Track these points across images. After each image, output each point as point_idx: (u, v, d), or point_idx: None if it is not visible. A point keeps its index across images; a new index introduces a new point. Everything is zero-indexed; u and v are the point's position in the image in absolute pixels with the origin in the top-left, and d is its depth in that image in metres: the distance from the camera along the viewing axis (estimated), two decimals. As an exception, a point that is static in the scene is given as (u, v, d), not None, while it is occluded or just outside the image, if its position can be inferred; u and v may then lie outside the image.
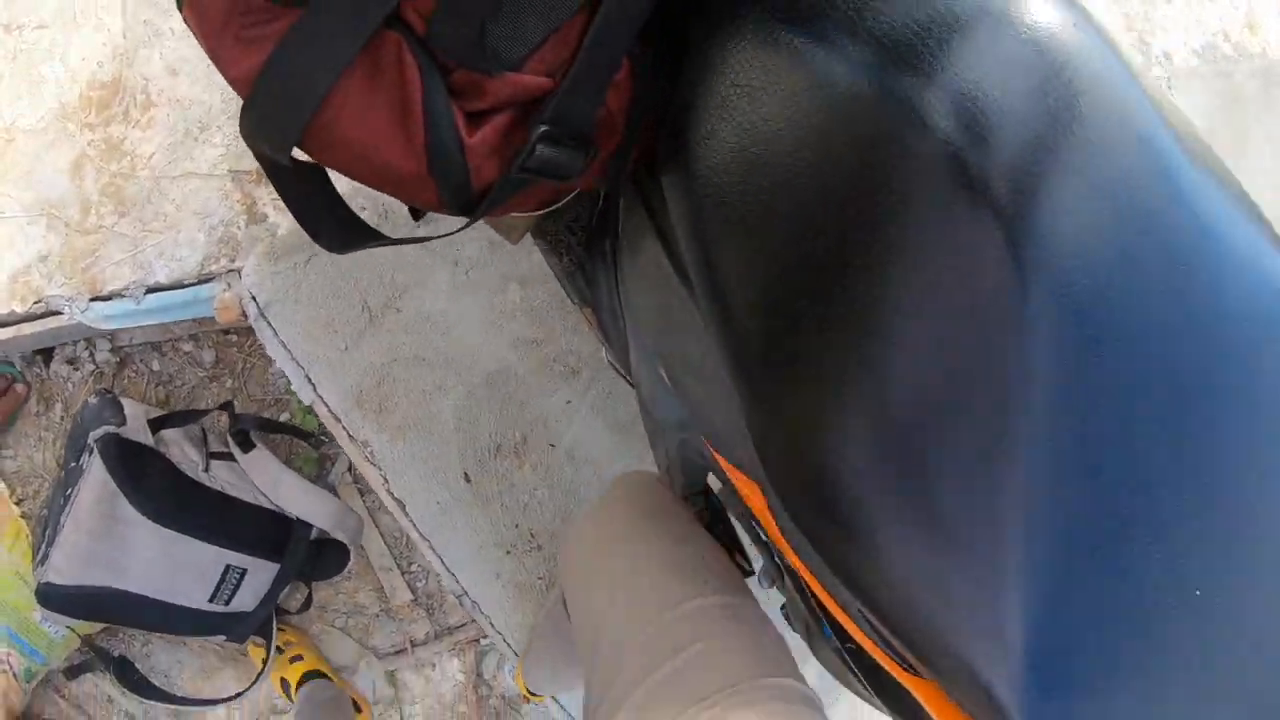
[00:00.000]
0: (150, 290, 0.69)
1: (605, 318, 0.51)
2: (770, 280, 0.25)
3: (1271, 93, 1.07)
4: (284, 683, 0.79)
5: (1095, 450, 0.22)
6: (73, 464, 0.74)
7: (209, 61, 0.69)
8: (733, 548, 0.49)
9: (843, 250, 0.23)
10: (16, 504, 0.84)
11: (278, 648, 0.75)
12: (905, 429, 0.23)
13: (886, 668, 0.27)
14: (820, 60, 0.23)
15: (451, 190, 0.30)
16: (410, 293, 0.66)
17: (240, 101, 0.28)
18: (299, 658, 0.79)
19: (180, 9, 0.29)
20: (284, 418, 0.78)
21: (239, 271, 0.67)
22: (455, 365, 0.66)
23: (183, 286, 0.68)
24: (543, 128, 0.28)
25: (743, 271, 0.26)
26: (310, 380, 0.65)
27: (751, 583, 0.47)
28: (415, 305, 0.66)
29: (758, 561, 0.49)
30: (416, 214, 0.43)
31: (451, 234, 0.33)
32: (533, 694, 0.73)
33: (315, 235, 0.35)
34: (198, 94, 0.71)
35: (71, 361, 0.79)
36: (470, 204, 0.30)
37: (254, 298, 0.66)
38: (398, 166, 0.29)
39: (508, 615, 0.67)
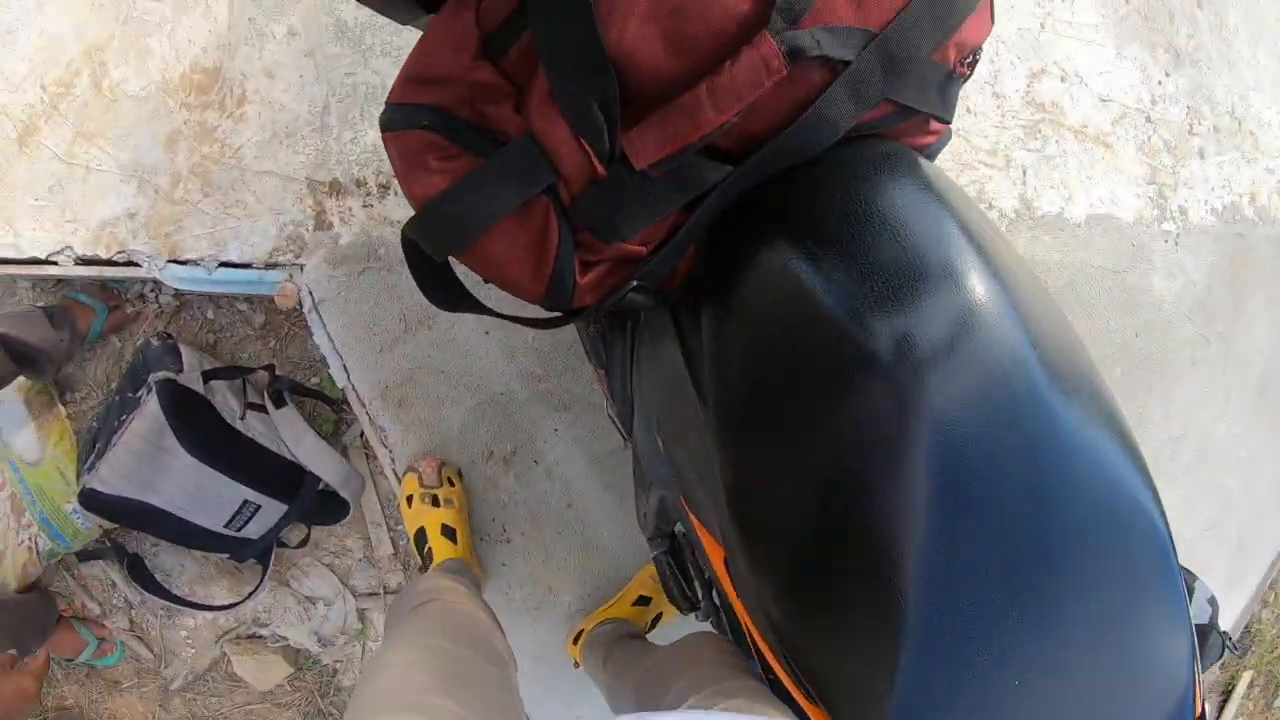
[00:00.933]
0: (223, 265, 0.82)
1: (615, 382, 0.63)
2: (758, 404, 0.36)
3: (1282, 262, 1.08)
4: (421, 532, 0.81)
5: (954, 582, 0.31)
6: (130, 394, 0.88)
7: (301, 74, 0.85)
8: (686, 582, 0.64)
9: (801, 400, 0.34)
10: (65, 405, 0.98)
11: (433, 498, 0.79)
12: (826, 527, 0.33)
13: (796, 696, 0.38)
14: (817, 282, 0.34)
15: (555, 306, 0.41)
16: (442, 316, 0.80)
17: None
18: (449, 501, 0.79)
19: (383, 134, 0.40)
20: (313, 382, 0.92)
21: (301, 267, 0.81)
22: (468, 382, 0.80)
23: (251, 268, 0.82)
24: (635, 283, 0.40)
25: (741, 395, 0.37)
26: (346, 369, 0.80)
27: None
28: (445, 327, 0.80)
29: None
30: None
31: (539, 325, 0.44)
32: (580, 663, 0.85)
33: (429, 297, 0.45)
34: (289, 101, 0.83)
35: (140, 297, 0.93)
36: (562, 313, 0.42)
37: (310, 293, 0.80)
38: (523, 284, 0.40)
39: (473, 588, 0.84)
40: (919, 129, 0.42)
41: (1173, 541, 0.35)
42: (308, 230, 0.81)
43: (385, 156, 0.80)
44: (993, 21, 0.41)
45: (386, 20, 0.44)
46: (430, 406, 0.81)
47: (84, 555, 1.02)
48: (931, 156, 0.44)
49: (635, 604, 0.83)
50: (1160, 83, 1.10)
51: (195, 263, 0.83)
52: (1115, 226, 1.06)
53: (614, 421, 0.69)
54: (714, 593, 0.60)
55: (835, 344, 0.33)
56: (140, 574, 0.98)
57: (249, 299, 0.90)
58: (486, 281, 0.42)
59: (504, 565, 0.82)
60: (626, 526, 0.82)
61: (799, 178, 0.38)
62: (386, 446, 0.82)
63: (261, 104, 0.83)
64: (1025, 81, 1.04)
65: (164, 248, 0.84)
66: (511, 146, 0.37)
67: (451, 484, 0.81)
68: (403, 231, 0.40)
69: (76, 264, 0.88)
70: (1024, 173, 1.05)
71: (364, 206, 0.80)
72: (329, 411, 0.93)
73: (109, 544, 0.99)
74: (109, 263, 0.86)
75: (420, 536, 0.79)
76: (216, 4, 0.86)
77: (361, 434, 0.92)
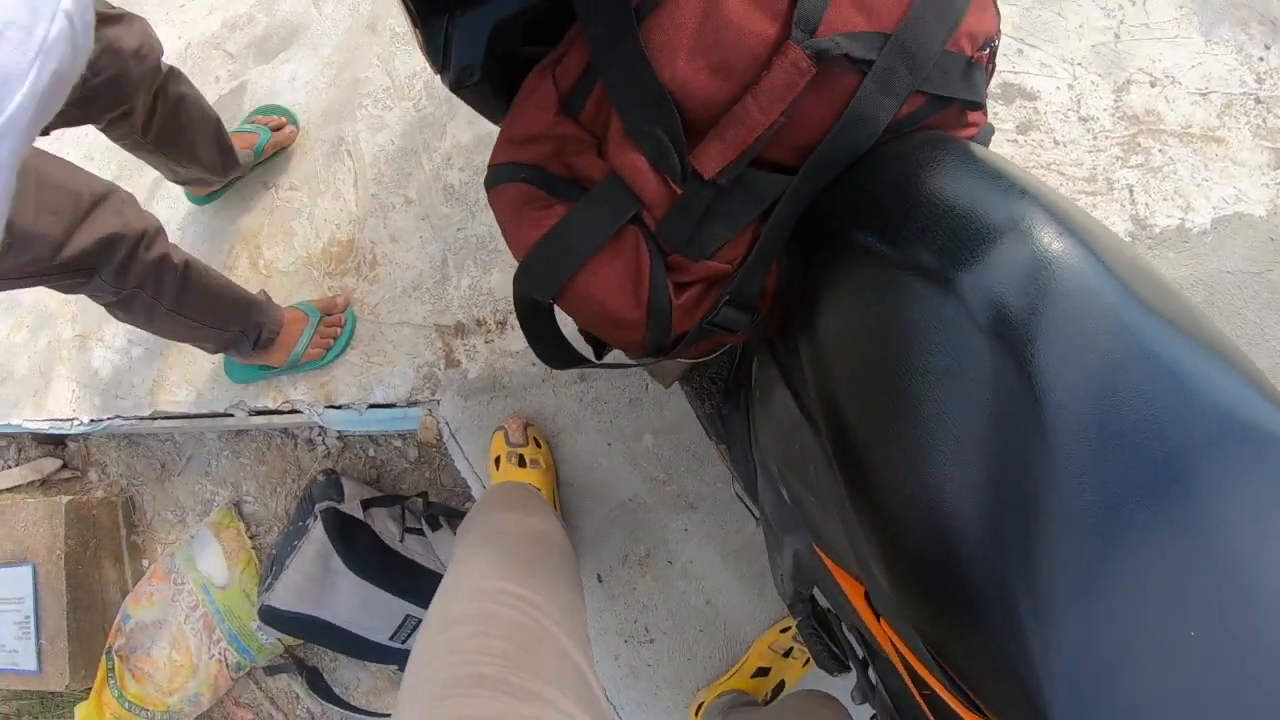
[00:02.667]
0: (371, 406, 0.96)
1: (737, 454, 0.66)
2: (864, 411, 0.37)
3: None
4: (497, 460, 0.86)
5: (1106, 535, 0.30)
6: (300, 523, 1.03)
7: (421, 235, 0.98)
8: (834, 642, 0.63)
9: (905, 389, 0.34)
10: (251, 538, 1.15)
11: (520, 458, 0.84)
12: (960, 527, 0.32)
13: (961, 714, 0.36)
14: (886, 250, 0.35)
15: (657, 334, 0.45)
16: (567, 433, 0.89)
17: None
18: (535, 462, 0.84)
19: (487, 192, 0.46)
20: (465, 506, 1.03)
21: (438, 402, 0.92)
22: (596, 492, 0.88)
23: (395, 407, 0.95)
24: (727, 297, 0.44)
25: (844, 405, 0.37)
26: (485, 490, 0.89)
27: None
28: (569, 444, 0.89)
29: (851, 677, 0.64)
30: (599, 354, 0.59)
31: (643, 364, 0.49)
32: None
33: (541, 356, 0.51)
34: (412, 260, 0.97)
35: (309, 441, 1.09)
36: (665, 348, 0.46)
37: (447, 424, 0.91)
38: (624, 315, 0.44)
39: (621, 691, 0.89)
40: (957, 120, 0.45)
41: None
42: (440, 369, 0.93)
43: (500, 297, 0.92)
44: (998, 14, 0.46)
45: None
46: (563, 517, 0.89)
47: (269, 669, 1.17)
48: None
49: (754, 675, 0.85)
50: (1262, 58, 1.04)
51: (347, 406, 0.97)
52: (1247, 224, 1.00)
53: (742, 499, 0.73)
54: (867, 658, 0.60)
55: (920, 307, 0.34)
56: (318, 685, 1.12)
57: (402, 435, 1.03)
58: (592, 327, 0.47)
59: (650, 666, 0.87)
60: (769, 619, 0.85)
61: (854, 175, 0.42)
62: (527, 557, 0.90)
63: (390, 265, 0.98)
64: (1112, 98, 1.02)
65: (320, 396, 0.99)
66: (599, 186, 0.43)
67: (538, 445, 0.86)
68: (514, 285, 0.46)
69: (250, 415, 1.06)
70: (1130, 192, 1.01)
71: (486, 343, 0.92)
72: (470, 525, 1.03)
73: (290, 658, 1.13)
74: (276, 412, 1.03)
75: None
76: (344, 186, 1.03)
77: (501, 544, 1.01)
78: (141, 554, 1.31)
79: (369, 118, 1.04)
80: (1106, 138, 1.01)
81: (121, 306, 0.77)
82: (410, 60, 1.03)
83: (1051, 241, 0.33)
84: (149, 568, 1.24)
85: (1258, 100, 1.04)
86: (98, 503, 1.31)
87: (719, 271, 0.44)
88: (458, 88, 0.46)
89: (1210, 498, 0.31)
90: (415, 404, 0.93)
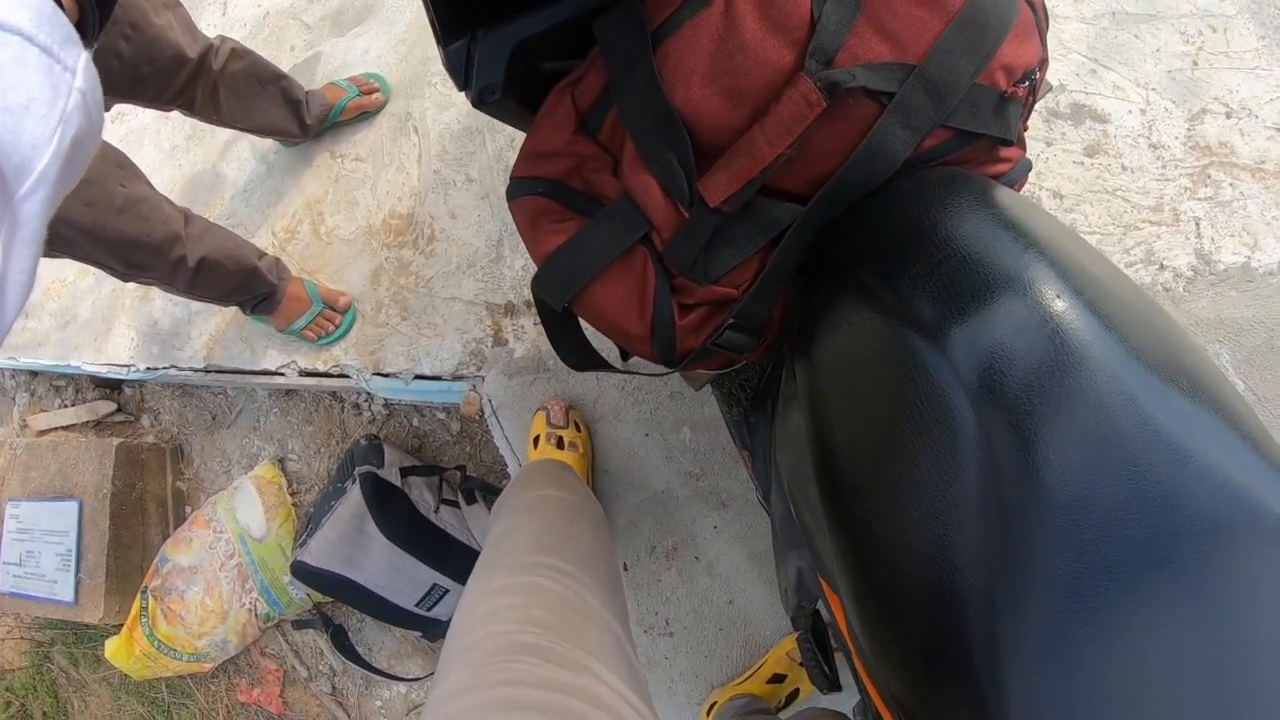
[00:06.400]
0: (417, 377, 0.99)
1: (759, 462, 0.68)
2: (847, 448, 0.36)
3: None
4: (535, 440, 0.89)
5: (1072, 614, 0.29)
6: (339, 484, 1.06)
7: (479, 214, 1.00)
8: (827, 661, 0.65)
9: (885, 437, 0.34)
10: (291, 495, 1.19)
11: (559, 439, 0.87)
12: (927, 579, 0.31)
13: None
14: (892, 311, 0.34)
15: (662, 350, 0.47)
16: (606, 420, 0.90)
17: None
18: (574, 445, 0.86)
19: (508, 202, 0.49)
20: (503, 483, 1.05)
21: (482, 378, 0.95)
22: (631, 481, 0.89)
23: (441, 380, 0.97)
24: (731, 320, 0.45)
25: (832, 439, 0.37)
26: (522, 468, 0.91)
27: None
28: (608, 430, 0.90)
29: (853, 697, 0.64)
30: (625, 356, 0.62)
31: (658, 375, 0.50)
32: None
33: (561, 356, 0.53)
34: (469, 237, 0.99)
35: (355, 406, 1.12)
36: (673, 361, 0.47)
37: (490, 400, 0.93)
38: (630, 329, 0.46)
39: (637, 674, 0.90)
40: (987, 156, 0.44)
41: None
42: (487, 346, 0.95)
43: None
44: (1043, 45, 0.43)
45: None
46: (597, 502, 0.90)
47: (297, 624, 1.22)
48: (1011, 185, 0.45)
49: (769, 681, 0.86)
50: (1354, 100, 1.00)
51: (395, 375, 1.00)
52: (1321, 271, 0.96)
53: (764, 506, 0.74)
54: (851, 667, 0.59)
55: (908, 358, 0.33)
56: (342, 642, 1.16)
57: (446, 408, 1.06)
58: (604, 333, 0.48)
59: (667, 659, 0.88)
60: (789, 626, 0.85)
61: (863, 210, 0.41)
62: (557, 538, 0.92)
63: (447, 241, 1.00)
64: (1184, 126, 1.00)
65: (369, 363, 1.03)
66: (611, 205, 0.45)
67: (579, 429, 0.88)
68: (531, 289, 0.47)
69: (300, 375, 1.09)
70: (1196, 225, 0.99)
71: (534, 324, 0.94)
72: (500, 501, 1.05)
73: (318, 614, 1.17)
74: (326, 375, 1.06)
75: None
76: (408, 161, 1.06)
77: (528, 521, 1.03)
78: (185, 500, 1.37)
79: (437, 95, 1.07)
80: (1176, 167, 0.99)
81: (132, 281, 0.90)
82: (481, 43, 1.05)
83: (1052, 300, 0.31)
84: (191, 514, 1.29)
85: (1341, 141, 1.00)
86: (147, 447, 1.37)
87: (724, 295, 0.45)
88: (479, 104, 0.47)
89: (1202, 584, 0.29)
90: (460, 378, 0.96)
